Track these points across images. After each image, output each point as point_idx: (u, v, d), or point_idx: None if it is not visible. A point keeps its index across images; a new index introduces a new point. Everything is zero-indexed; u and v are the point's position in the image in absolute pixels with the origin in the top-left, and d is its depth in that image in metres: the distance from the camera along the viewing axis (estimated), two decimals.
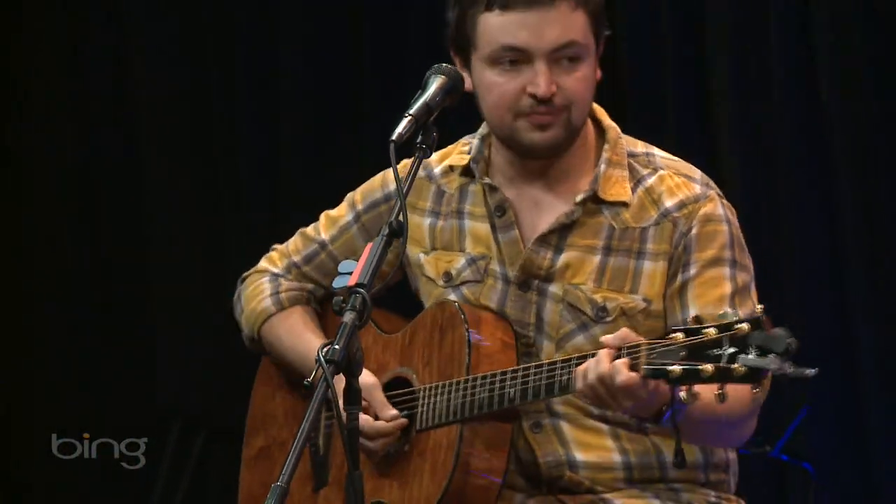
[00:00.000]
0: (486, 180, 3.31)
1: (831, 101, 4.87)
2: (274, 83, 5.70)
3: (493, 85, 3.20)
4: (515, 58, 3.19)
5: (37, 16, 5.80)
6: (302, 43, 5.65)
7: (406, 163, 3.10)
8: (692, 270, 3.21)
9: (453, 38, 3.27)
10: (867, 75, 4.84)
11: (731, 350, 2.85)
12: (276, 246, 3.58)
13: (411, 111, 3.00)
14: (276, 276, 3.55)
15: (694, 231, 3.21)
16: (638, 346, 2.95)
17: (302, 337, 3.49)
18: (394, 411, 3.31)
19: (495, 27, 3.18)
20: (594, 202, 3.23)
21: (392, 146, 2.96)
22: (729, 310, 2.92)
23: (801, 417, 4.69)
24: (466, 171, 3.35)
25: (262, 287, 3.55)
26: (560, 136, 3.21)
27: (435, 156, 3.34)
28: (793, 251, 4.95)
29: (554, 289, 3.25)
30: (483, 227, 3.33)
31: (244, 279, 3.59)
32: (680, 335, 2.91)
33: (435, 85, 3.05)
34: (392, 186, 3.35)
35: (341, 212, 3.51)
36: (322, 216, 3.53)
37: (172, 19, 5.77)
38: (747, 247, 3.28)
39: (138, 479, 5.46)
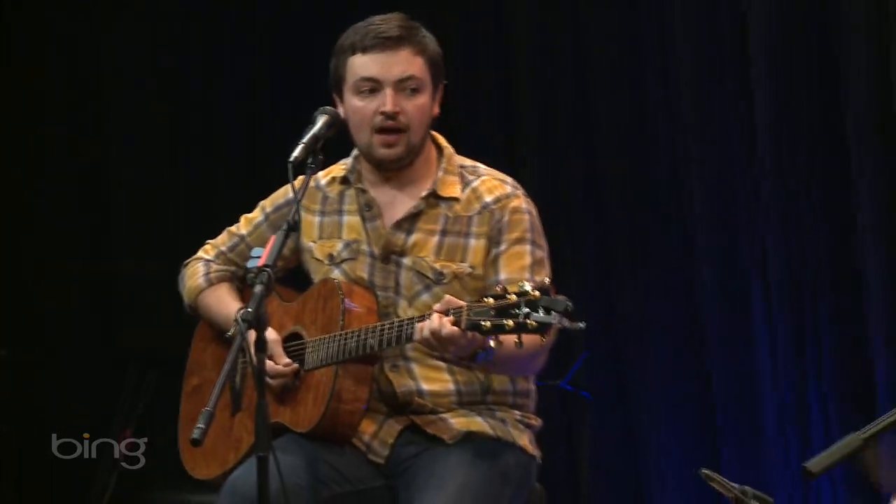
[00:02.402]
0: (359, 185, 3.72)
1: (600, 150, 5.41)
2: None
3: (356, 108, 3.60)
4: (371, 87, 3.59)
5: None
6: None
7: (301, 178, 3.52)
8: (502, 247, 3.63)
9: (332, 79, 3.66)
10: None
11: (526, 310, 3.25)
12: (209, 241, 3.93)
13: (304, 140, 3.43)
14: (207, 261, 3.89)
15: (505, 219, 3.64)
16: (461, 308, 3.35)
17: (226, 304, 3.84)
18: (287, 360, 3.64)
19: (357, 65, 3.61)
20: (434, 198, 3.66)
21: (290, 166, 3.38)
22: (527, 282, 3.29)
23: (582, 359, 5.17)
24: (344, 181, 3.75)
25: (197, 269, 3.89)
26: (402, 152, 3.62)
27: (322, 172, 3.73)
28: (572, 239, 5.48)
29: (406, 261, 3.64)
30: (355, 220, 3.71)
31: (186, 264, 3.93)
32: (491, 300, 3.30)
33: (321, 121, 3.49)
34: (291, 195, 3.61)
35: (255, 214, 3.86)
36: (241, 218, 3.90)
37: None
38: (544, 234, 3.70)
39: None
